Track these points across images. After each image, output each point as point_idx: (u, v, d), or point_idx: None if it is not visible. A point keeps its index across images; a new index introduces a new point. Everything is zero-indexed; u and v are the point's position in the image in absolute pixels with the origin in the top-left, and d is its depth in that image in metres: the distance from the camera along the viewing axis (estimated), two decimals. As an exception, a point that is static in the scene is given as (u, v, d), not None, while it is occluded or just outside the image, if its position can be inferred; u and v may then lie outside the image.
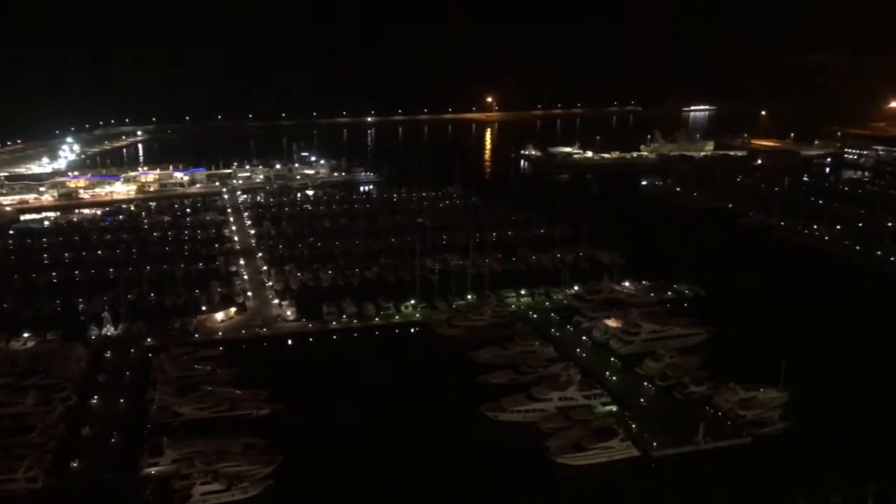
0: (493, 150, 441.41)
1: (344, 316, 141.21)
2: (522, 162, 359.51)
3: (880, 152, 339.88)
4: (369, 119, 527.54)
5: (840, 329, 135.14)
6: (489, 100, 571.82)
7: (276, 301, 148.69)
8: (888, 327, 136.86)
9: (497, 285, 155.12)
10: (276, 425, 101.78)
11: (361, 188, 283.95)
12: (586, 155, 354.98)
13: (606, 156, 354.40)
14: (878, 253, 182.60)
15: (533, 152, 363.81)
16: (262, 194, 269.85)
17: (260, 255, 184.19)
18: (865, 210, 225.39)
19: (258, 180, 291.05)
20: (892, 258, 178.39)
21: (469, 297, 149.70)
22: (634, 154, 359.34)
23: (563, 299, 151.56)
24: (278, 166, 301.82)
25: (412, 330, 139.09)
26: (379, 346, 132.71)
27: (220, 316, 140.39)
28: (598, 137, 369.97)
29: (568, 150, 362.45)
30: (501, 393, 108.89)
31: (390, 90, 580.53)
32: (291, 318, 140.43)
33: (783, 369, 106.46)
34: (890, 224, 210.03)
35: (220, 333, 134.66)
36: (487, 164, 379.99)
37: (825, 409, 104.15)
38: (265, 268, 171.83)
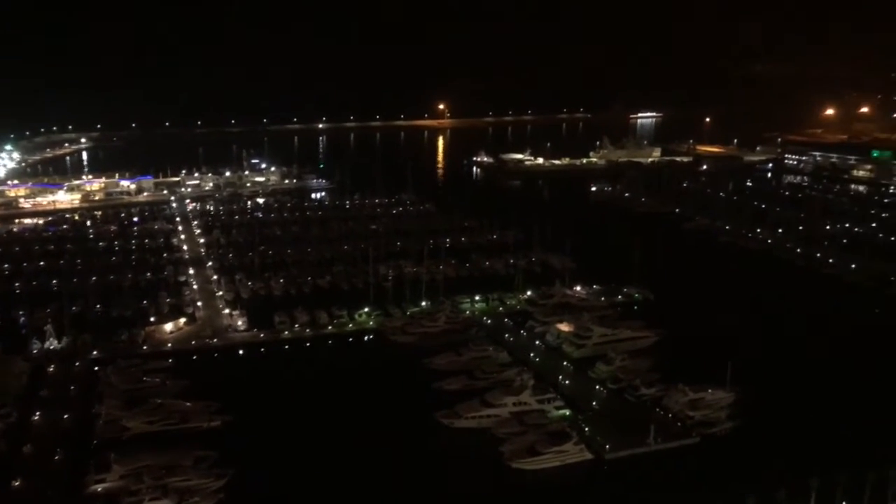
0: (445, 156, 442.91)
1: (296, 325, 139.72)
2: (475, 168, 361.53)
3: (818, 157, 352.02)
4: (320, 126, 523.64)
5: (783, 329, 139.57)
6: (441, 107, 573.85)
7: (227, 311, 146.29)
8: (827, 327, 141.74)
9: (451, 291, 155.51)
10: (228, 437, 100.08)
11: (313, 195, 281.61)
12: (537, 161, 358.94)
13: (557, 162, 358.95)
14: (818, 255, 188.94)
15: (485, 159, 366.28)
16: (211, 202, 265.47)
17: (210, 264, 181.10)
18: (805, 213, 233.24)
19: (207, 188, 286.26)
20: (830, 260, 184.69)
21: (423, 303, 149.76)
22: (584, 160, 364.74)
23: (516, 304, 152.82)
24: (228, 174, 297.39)
25: (366, 338, 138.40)
26: (332, 355, 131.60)
27: (169, 327, 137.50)
28: (548, 144, 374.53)
29: (519, 156, 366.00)
30: (456, 399, 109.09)
31: (342, 96, 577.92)
32: (242, 327, 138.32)
33: (730, 370, 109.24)
34: (828, 227, 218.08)
35: (169, 344, 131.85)
36: (440, 170, 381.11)
37: (770, 408, 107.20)
38: (215, 277, 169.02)
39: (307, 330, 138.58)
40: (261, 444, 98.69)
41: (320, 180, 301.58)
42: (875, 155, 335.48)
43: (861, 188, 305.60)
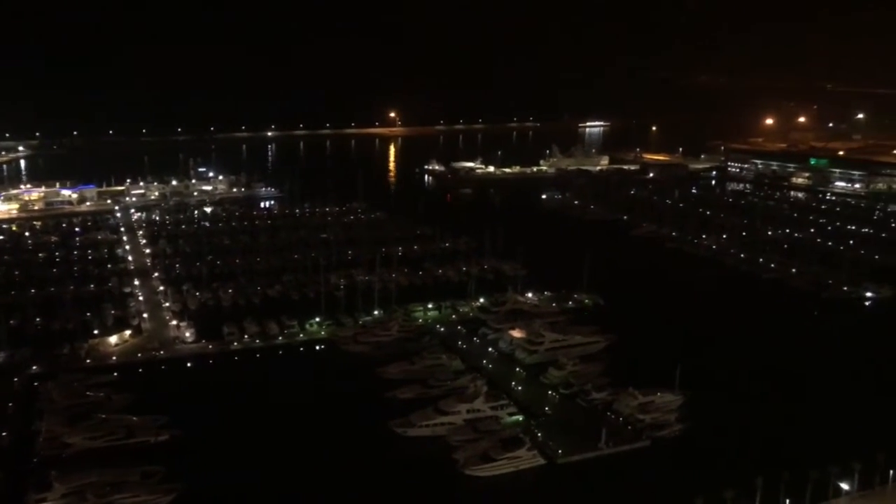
0: (396, 164, 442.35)
1: (246, 336, 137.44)
2: (426, 176, 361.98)
3: (759, 165, 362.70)
4: (269, 133, 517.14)
5: (728, 332, 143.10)
6: (392, 115, 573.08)
7: (174, 322, 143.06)
8: (770, 330, 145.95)
9: (403, 300, 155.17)
10: (176, 452, 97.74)
11: (262, 204, 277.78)
12: (488, 169, 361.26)
13: (508, 170, 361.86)
14: (760, 260, 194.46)
15: (436, 167, 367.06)
16: (157, 212, 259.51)
17: (156, 274, 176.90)
18: (748, 220, 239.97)
19: (153, 197, 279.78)
20: (772, 265, 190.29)
21: (375, 312, 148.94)
22: (534, 169, 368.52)
23: (469, 312, 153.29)
24: (174, 182, 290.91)
25: (317, 348, 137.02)
26: (283, 366, 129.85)
27: (113, 339, 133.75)
28: (499, 152, 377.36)
29: (471, 164, 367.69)
30: (410, 408, 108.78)
31: (292, 104, 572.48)
32: (190, 339, 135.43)
33: (678, 373, 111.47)
34: (770, 233, 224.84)
35: (113, 358, 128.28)
36: (391, 178, 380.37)
37: (718, 410, 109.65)
38: (161, 288, 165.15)
39: (257, 341, 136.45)
40: (210, 459, 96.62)
41: (269, 189, 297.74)
42: (812, 163, 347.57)
43: (800, 195, 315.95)
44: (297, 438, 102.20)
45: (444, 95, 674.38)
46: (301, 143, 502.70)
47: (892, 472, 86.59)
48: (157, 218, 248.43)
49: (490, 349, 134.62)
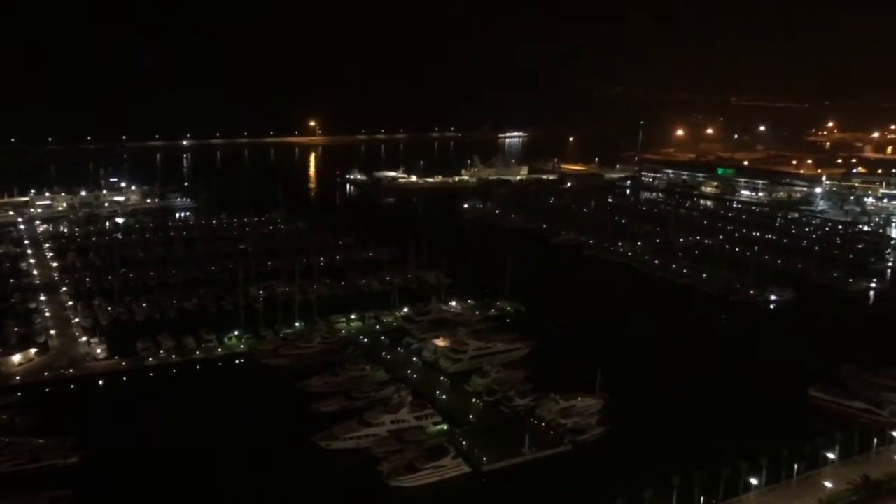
0: (317, 174, 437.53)
1: (161, 351, 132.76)
2: (348, 186, 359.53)
3: (670, 175, 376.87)
4: (185, 143, 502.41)
5: (644, 336, 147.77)
6: (312, 123, 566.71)
7: (84, 339, 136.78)
8: (683, 333, 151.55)
9: (326, 311, 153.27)
10: (87, 474, 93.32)
11: (178, 215, 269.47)
12: (411, 179, 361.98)
13: (430, 180, 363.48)
14: (673, 266, 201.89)
15: (358, 176, 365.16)
16: (65, 223, 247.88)
17: (64, 289, 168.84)
18: (661, 227, 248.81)
19: (61, 208, 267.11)
20: (684, 270, 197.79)
21: (297, 324, 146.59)
22: (456, 178, 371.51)
23: (393, 322, 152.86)
24: (84, 193, 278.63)
25: (237, 362, 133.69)
26: (201, 381, 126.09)
27: (17, 358, 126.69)
28: (421, 162, 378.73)
29: (393, 174, 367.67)
30: (334, 420, 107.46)
31: (207, 113, 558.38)
32: (102, 356, 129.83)
33: (598, 377, 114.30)
34: (681, 239, 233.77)
35: (17, 378, 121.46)
36: (312, 188, 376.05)
37: (636, 412, 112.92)
38: (70, 303, 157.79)
39: (173, 356, 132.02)
40: (124, 480, 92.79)
41: (185, 199, 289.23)
42: (720, 172, 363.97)
43: (709, 203, 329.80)
44: (216, 457, 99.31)
45: (366, 104, 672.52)
46: (218, 153, 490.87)
47: (796, 466, 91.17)
48: (66, 230, 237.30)
49: (414, 359, 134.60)
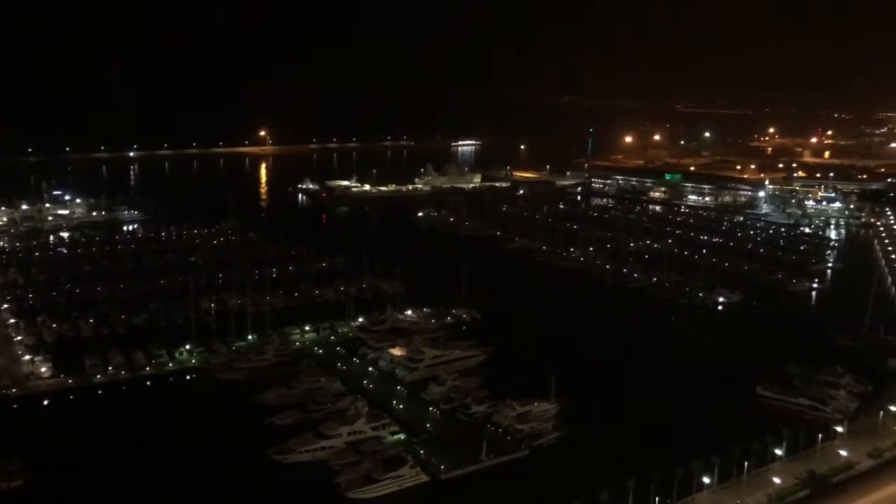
0: (269, 184, 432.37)
1: (110, 367, 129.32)
2: (300, 196, 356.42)
3: (620, 181, 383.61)
4: (132, 154, 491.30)
5: (597, 340, 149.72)
6: (262, 133, 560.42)
7: (28, 357, 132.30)
8: (635, 336, 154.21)
9: (279, 323, 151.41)
10: (33, 498, 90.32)
11: (125, 227, 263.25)
12: (364, 188, 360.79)
13: (384, 188, 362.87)
14: (624, 270, 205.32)
15: (311, 186, 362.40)
16: (5, 238, 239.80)
17: (6, 306, 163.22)
18: (611, 233, 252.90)
19: (1, 223, 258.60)
20: (635, 274, 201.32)
21: (250, 337, 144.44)
22: (410, 187, 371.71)
23: (348, 332, 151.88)
24: (25, 206, 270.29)
25: (189, 377, 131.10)
26: (152, 398, 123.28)
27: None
28: (374, 171, 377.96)
29: (346, 183, 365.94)
30: (289, 434, 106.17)
31: (155, 123, 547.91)
32: (47, 374, 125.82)
33: (553, 382, 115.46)
34: (632, 244, 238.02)
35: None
36: (264, 198, 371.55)
37: (591, 415, 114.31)
38: (13, 320, 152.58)
39: (122, 372, 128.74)
40: (72, 503, 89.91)
41: (133, 211, 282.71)
42: (668, 178, 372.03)
43: (657, 208, 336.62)
44: (169, 475, 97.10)
45: (317, 114, 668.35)
46: (166, 164, 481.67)
47: (746, 463, 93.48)
48: (6, 245, 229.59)
49: (370, 369, 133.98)
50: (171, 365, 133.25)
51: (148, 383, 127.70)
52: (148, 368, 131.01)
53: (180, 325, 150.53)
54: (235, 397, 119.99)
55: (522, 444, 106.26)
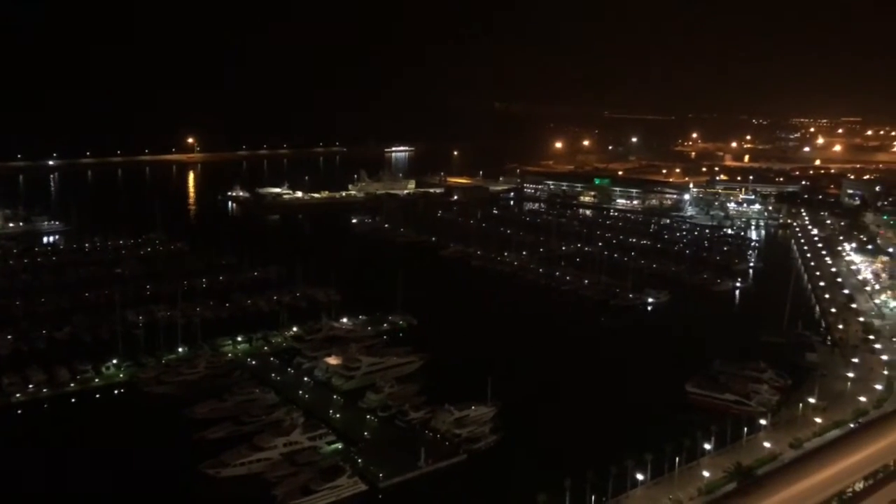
0: (197, 192, 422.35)
1: (30, 385, 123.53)
2: (230, 204, 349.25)
3: (551, 186, 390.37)
4: (51, 162, 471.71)
5: (532, 342, 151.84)
6: (190, 140, 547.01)
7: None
8: (570, 337, 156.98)
9: (211, 334, 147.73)
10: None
11: (45, 239, 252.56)
12: (296, 195, 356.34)
13: (316, 195, 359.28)
14: (557, 274, 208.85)
15: (241, 193, 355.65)
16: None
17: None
18: (544, 237, 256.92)
19: None
20: (567, 277, 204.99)
21: (180, 349, 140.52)
22: (343, 193, 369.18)
23: (282, 342, 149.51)
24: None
25: (116, 392, 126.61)
26: (76, 416, 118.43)
27: None
28: (306, 178, 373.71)
29: (277, 190, 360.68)
30: (223, 447, 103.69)
31: (77, 131, 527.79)
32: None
33: (490, 385, 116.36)
34: (563, 248, 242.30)
35: None
36: (192, 207, 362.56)
37: (528, 417, 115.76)
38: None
39: (44, 390, 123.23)
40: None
41: (53, 222, 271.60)
42: (597, 182, 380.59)
43: (588, 212, 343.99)
44: (98, 495, 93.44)
45: (247, 120, 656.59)
46: (89, 172, 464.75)
47: (677, 459, 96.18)
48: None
49: (305, 379, 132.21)
50: (97, 381, 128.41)
51: (73, 400, 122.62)
52: (72, 385, 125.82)
53: (106, 339, 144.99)
54: (165, 412, 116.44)
55: (460, 448, 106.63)
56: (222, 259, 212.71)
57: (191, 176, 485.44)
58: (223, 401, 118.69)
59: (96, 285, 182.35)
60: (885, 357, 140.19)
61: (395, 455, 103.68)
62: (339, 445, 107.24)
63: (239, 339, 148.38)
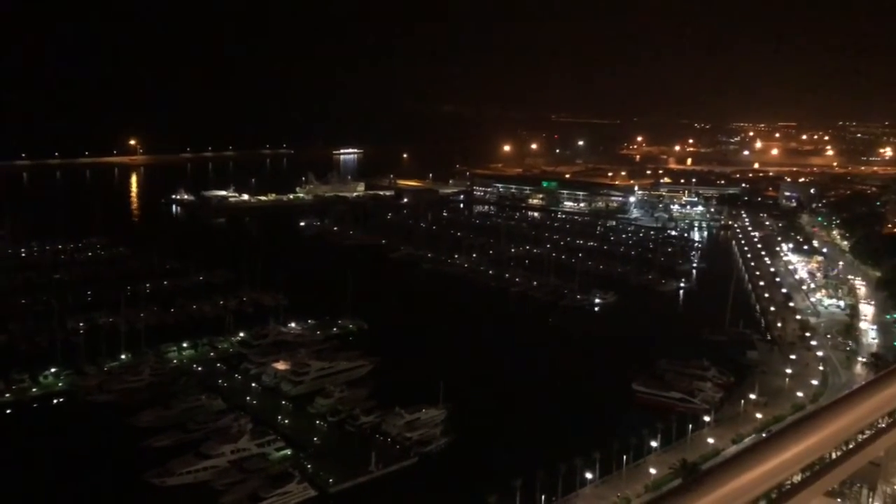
0: (140, 195, 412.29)
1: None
2: (175, 207, 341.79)
3: (500, 189, 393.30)
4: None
5: (483, 344, 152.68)
6: (132, 142, 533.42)
7: None
8: (520, 338, 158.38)
9: (155, 340, 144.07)
10: None
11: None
12: (243, 198, 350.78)
13: (263, 198, 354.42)
14: (507, 276, 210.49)
15: (185, 196, 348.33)
16: None
17: None
18: (494, 239, 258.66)
19: None
20: (517, 279, 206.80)
21: (123, 356, 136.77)
22: (291, 196, 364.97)
23: (229, 347, 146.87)
24: None
25: (55, 401, 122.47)
26: (12, 426, 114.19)
27: None
28: (253, 180, 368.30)
29: (223, 193, 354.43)
30: (169, 456, 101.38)
31: (10, 131, 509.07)
32: None
33: (441, 388, 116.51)
34: (513, 250, 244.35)
35: None
36: (135, 210, 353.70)
37: (478, 418, 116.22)
38: None
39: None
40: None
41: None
42: (545, 185, 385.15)
43: (536, 214, 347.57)
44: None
45: (192, 122, 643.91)
46: (25, 175, 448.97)
47: (625, 457, 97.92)
48: None
49: (253, 384, 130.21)
50: (34, 390, 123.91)
51: (8, 411, 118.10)
52: (7, 395, 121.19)
53: (44, 347, 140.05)
54: (108, 421, 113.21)
55: (411, 451, 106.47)
56: (167, 263, 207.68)
57: (133, 178, 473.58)
58: (168, 408, 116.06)
59: (34, 292, 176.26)
60: (820, 353, 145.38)
61: (345, 460, 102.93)
62: (289, 451, 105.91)
63: (184, 345, 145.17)
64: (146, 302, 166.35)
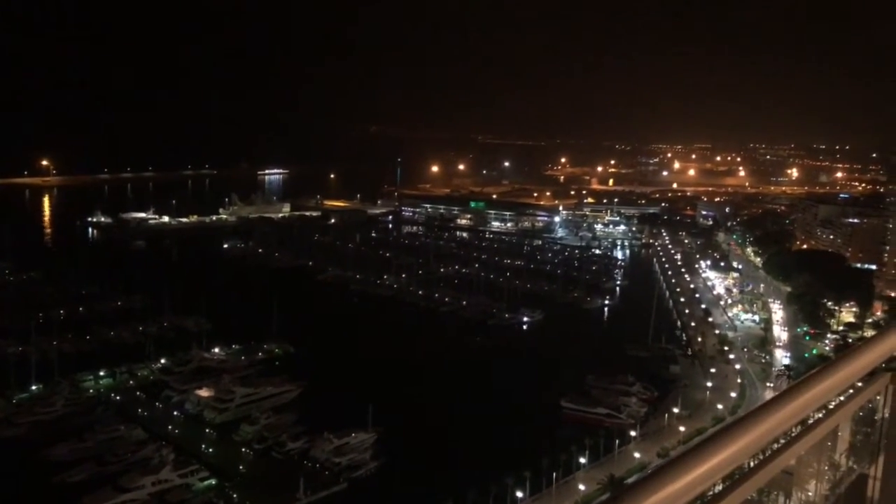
0: (53, 217, 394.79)
1: None
2: (90, 230, 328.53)
3: (429, 209, 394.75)
4: None
5: (414, 365, 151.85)
6: (45, 163, 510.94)
7: None
8: (449, 357, 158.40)
9: (69, 369, 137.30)
10: None
11: None
12: (163, 220, 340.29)
13: (185, 220, 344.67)
14: (436, 295, 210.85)
15: (102, 219, 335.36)
16: None
17: None
18: (423, 259, 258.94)
19: None
20: (447, 299, 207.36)
21: (34, 387, 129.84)
22: (214, 217, 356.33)
23: (149, 375, 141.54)
24: None
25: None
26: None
27: None
28: (173, 201, 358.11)
29: (142, 215, 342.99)
30: (85, 490, 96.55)
31: None
32: None
33: (370, 411, 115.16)
34: (442, 270, 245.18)
35: None
36: (47, 233, 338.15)
37: (409, 441, 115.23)
38: None
39: None
40: None
41: None
42: (473, 205, 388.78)
43: (464, 234, 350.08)
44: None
45: (108, 142, 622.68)
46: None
47: (554, 474, 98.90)
48: None
49: (175, 413, 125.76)
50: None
51: None
52: None
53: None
54: (18, 456, 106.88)
55: (341, 477, 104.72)
56: (82, 289, 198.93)
57: (46, 200, 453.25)
58: (84, 440, 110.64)
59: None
60: (738, 366, 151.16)
61: (272, 488, 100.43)
62: (213, 481, 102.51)
63: (101, 373, 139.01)
64: (60, 329, 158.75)
